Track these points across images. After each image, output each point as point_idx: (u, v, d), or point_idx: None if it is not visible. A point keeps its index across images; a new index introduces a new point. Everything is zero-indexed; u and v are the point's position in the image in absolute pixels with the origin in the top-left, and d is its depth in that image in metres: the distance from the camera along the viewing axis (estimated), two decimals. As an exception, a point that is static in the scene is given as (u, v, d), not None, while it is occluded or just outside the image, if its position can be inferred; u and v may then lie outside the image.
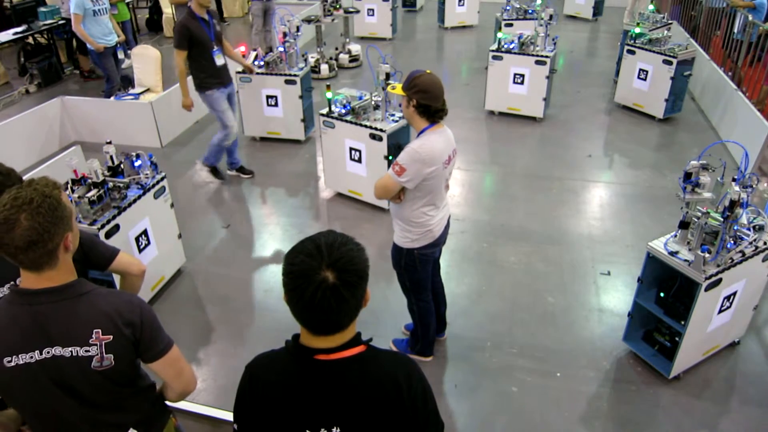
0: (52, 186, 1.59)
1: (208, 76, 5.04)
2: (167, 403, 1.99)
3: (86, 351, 1.62)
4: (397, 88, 2.88)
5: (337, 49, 8.92)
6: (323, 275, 1.30)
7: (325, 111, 4.96)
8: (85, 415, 1.72)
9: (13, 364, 1.59)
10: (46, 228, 1.53)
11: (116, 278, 2.81)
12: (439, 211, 3.02)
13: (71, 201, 3.25)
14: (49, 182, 1.60)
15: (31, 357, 1.60)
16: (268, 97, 6.06)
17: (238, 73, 6.02)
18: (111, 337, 1.64)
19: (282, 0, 10.35)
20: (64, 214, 1.59)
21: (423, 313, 3.30)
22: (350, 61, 8.83)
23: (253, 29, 8.77)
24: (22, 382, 1.62)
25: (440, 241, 3.11)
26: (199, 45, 4.91)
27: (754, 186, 2.93)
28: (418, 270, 3.12)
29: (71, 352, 1.61)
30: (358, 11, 9.24)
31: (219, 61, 5.00)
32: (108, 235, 3.45)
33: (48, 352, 1.61)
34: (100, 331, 1.63)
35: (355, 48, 8.95)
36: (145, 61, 6.89)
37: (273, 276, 4.33)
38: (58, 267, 1.62)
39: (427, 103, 2.77)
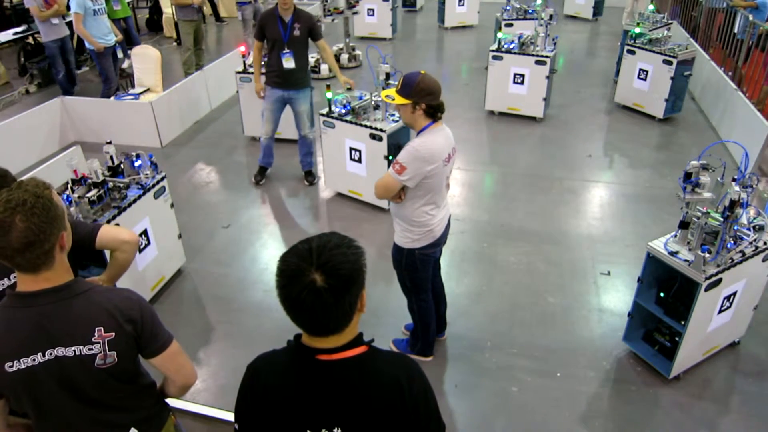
0: (43, 186, 1.59)
1: (269, 72, 5.13)
2: (167, 400, 2.00)
3: (89, 349, 1.62)
4: (397, 99, 2.78)
5: (354, 49, 8.88)
6: (311, 277, 1.30)
7: (325, 111, 4.96)
8: (87, 414, 1.72)
9: (14, 368, 1.58)
10: (42, 228, 1.53)
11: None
12: (440, 211, 3.01)
13: (71, 201, 3.28)
14: (39, 183, 1.60)
15: (34, 360, 1.59)
16: (268, 97, 6.05)
17: (238, 72, 6.03)
18: (113, 334, 1.64)
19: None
20: (57, 213, 1.58)
21: (423, 313, 3.30)
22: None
23: (246, 32, 8.79)
24: (26, 385, 1.62)
25: (441, 241, 3.11)
26: (269, 41, 5.02)
27: (754, 186, 2.93)
28: (419, 270, 3.12)
29: (74, 351, 1.61)
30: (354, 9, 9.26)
31: (286, 63, 5.00)
32: (108, 235, 3.44)
33: (51, 354, 1.60)
34: (102, 328, 1.63)
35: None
36: (145, 61, 6.89)
37: (273, 276, 4.28)
38: (55, 267, 1.61)
39: (435, 103, 2.77)
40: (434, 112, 2.80)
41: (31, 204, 1.51)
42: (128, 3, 8.86)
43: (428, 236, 3.00)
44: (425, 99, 2.75)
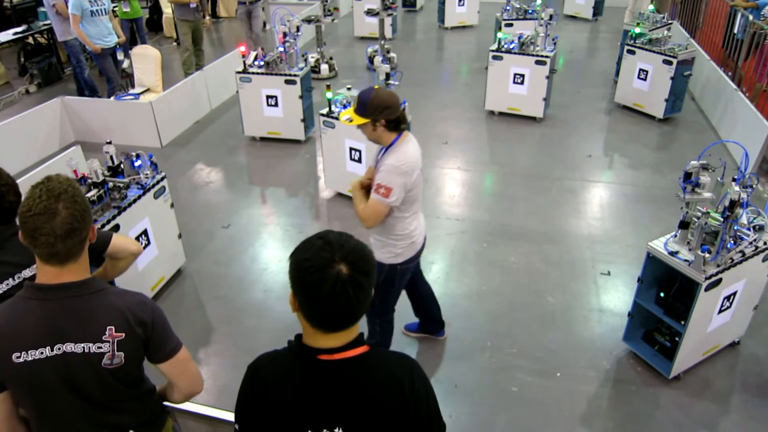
0: (73, 180, 1.67)
1: None
2: (168, 403, 1.99)
3: (98, 347, 1.64)
4: (355, 119, 2.70)
5: (389, 51, 8.67)
6: (338, 268, 1.31)
7: (325, 111, 4.96)
8: (87, 414, 1.72)
9: (21, 360, 1.59)
10: (82, 215, 1.60)
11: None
12: (418, 220, 2.96)
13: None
14: (67, 177, 1.67)
15: (41, 353, 1.60)
16: (268, 97, 6.06)
17: (238, 72, 6.03)
18: (123, 334, 1.65)
19: (282, 0, 10.37)
20: (88, 204, 1.67)
21: (387, 336, 3.23)
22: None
23: (245, 33, 8.78)
24: (30, 379, 1.62)
25: (421, 250, 3.04)
26: None
27: (754, 186, 2.93)
28: (395, 286, 3.03)
29: (83, 348, 1.63)
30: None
31: None
32: (108, 235, 3.45)
33: (59, 349, 1.61)
34: (113, 328, 1.64)
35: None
36: (145, 61, 6.89)
37: (273, 276, 4.33)
38: (81, 260, 1.65)
39: (394, 116, 2.69)
40: (396, 125, 2.73)
41: (71, 193, 1.60)
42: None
43: (411, 248, 2.92)
44: (383, 114, 2.66)
